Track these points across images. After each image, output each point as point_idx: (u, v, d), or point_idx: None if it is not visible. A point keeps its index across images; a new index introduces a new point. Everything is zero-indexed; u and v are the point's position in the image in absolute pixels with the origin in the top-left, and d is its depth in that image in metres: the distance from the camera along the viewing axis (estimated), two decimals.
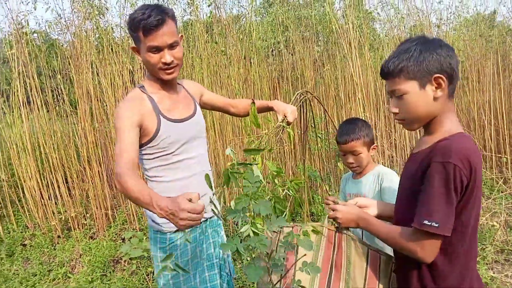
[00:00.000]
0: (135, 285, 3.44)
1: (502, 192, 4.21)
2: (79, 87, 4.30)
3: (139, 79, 4.52)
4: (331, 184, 4.07)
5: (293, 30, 4.91)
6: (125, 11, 4.60)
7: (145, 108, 1.67)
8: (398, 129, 4.41)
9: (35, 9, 4.31)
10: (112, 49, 4.41)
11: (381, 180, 1.90)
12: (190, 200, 1.26)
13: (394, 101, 1.28)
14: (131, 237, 3.89)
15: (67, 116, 4.65)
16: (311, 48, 4.83)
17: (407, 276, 1.30)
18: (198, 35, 4.33)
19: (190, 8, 4.71)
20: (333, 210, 1.44)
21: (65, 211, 4.43)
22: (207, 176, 1.33)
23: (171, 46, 1.65)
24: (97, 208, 4.39)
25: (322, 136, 4.21)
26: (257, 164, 1.29)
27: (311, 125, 3.34)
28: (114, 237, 4.22)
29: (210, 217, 1.93)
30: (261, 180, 1.27)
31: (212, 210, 1.28)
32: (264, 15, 5.12)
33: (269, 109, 2.05)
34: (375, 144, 2.01)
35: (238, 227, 3.82)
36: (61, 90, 4.49)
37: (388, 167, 3.96)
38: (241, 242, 1.21)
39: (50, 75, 4.52)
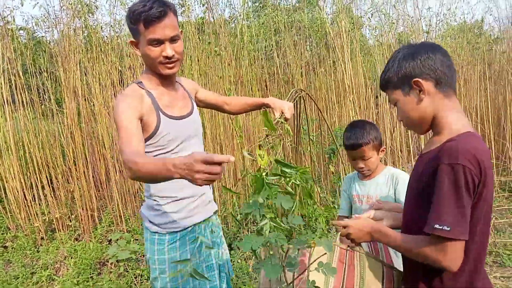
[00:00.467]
0: (123, 287, 3.35)
1: None
2: (66, 85, 4.21)
3: (128, 79, 4.45)
4: (323, 186, 4.07)
5: (285, 33, 4.93)
6: (115, 9, 4.55)
7: (145, 103, 1.61)
8: (387, 131, 4.45)
9: (22, 5, 4.21)
10: (101, 48, 4.34)
11: (396, 183, 1.86)
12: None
13: (397, 110, 1.35)
14: (118, 239, 3.81)
15: (52, 116, 4.54)
16: (302, 51, 4.84)
17: (416, 283, 1.27)
18: (189, 36, 4.30)
19: (181, 9, 4.68)
20: (344, 227, 1.40)
21: (49, 212, 4.31)
22: None
23: (173, 40, 1.59)
24: (82, 209, 4.28)
25: (314, 138, 4.22)
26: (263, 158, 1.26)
27: (303, 128, 3.34)
28: (100, 239, 4.12)
29: (209, 217, 1.88)
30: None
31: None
32: (256, 18, 5.11)
33: (265, 106, 2.03)
34: (383, 146, 1.96)
35: (239, 229, 3.77)
36: (47, 88, 4.38)
37: None
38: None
39: (36, 73, 4.41)
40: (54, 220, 4.22)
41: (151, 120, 1.62)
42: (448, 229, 1.08)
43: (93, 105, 4.39)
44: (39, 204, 4.34)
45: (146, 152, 1.63)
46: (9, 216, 4.35)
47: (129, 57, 4.43)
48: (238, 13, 4.89)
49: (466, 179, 1.08)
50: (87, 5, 4.40)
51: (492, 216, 3.75)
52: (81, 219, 4.27)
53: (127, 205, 4.34)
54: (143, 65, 4.55)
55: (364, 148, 1.87)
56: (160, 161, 1.22)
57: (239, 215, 3.62)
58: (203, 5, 4.15)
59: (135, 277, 3.47)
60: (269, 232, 1.21)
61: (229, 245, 3.59)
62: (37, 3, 4.16)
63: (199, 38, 4.35)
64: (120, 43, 4.57)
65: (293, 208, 1.35)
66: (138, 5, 1.55)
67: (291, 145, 2.63)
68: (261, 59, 5.01)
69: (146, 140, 1.63)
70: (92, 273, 3.62)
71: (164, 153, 1.68)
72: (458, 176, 1.08)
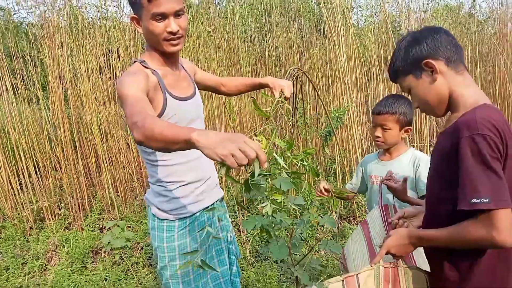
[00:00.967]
0: (119, 276, 3.29)
1: None
2: (51, 70, 4.03)
3: (115, 61, 4.30)
4: (320, 172, 4.05)
5: (275, 15, 4.83)
6: None
7: (151, 82, 1.52)
8: None
9: None
10: (87, 30, 4.16)
11: (417, 166, 1.81)
12: None
13: (411, 98, 1.35)
14: (111, 227, 3.73)
15: (37, 101, 4.37)
16: (295, 32, 4.77)
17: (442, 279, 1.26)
18: None
19: None
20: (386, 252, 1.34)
21: (37, 200, 4.18)
22: None
23: (177, 15, 1.50)
24: (72, 197, 4.17)
25: (309, 121, 4.18)
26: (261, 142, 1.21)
27: (298, 110, 3.29)
28: (92, 227, 4.02)
29: (216, 201, 1.83)
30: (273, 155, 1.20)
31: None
32: None
33: (263, 86, 1.96)
34: (409, 127, 1.88)
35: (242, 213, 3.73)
36: (31, 73, 4.20)
37: (366, 148, 3.95)
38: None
39: (18, 56, 4.22)
40: (44, 209, 4.09)
41: (157, 100, 1.54)
42: (487, 200, 1.03)
43: (80, 89, 4.23)
44: (26, 193, 4.20)
45: None
46: None
47: (116, 38, 4.28)
48: None
49: (490, 147, 1.05)
50: None
51: None
52: (71, 207, 4.17)
53: (119, 191, 4.24)
54: (130, 46, 4.42)
55: (387, 117, 1.82)
56: (185, 128, 1.05)
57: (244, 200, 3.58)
58: None
59: (131, 265, 3.40)
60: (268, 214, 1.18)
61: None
62: None
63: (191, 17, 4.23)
64: (107, 24, 4.40)
65: (302, 189, 1.32)
66: None
67: (292, 124, 2.59)
68: (251, 41, 4.92)
69: None
70: (86, 262, 3.55)
71: None
72: (481, 146, 1.05)
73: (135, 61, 1.61)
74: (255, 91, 2.84)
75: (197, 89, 1.81)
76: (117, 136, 4.22)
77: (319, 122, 3.79)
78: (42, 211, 4.15)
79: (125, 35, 4.28)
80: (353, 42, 4.03)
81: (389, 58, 1.38)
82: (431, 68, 1.22)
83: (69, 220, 4.17)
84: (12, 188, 4.14)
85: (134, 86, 1.41)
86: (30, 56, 4.21)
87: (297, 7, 4.97)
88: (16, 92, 4.20)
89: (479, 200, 1.04)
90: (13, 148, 4.09)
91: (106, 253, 3.64)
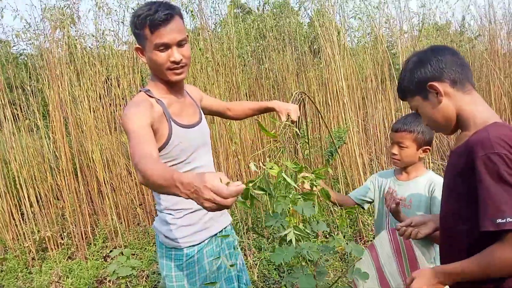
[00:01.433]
0: None
1: None
2: (51, 99, 4.06)
3: (115, 89, 4.34)
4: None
5: (269, 38, 4.92)
6: (97, 20, 4.42)
7: (156, 112, 1.54)
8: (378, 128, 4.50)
9: (1, 17, 4.04)
10: (85, 60, 4.21)
11: (433, 190, 1.78)
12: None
13: (421, 116, 1.38)
14: (117, 255, 3.68)
15: (38, 130, 4.37)
16: (290, 54, 4.85)
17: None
18: None
19: None
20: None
21: (39, 230, 4.14)
22: None
23: (180, 44, 1.53)
24: (75, 226, 4.14)
25: (309, 141, 4.21)
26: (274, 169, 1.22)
27: (301, 131, 3.33)
28: (96, 256, 3.98)
29: (225, 227, 1.83)
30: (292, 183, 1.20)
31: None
32: (241, 23, 5.09)
33: (269, 110, 1.99)
34: (428, 147, 1.84)
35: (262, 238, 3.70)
36: (30, 103, 4.22)
37: (367, 165, 3.96)
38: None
39: (18, 87, 4.25)
40: (46, 239, 4.05)
41: (162, 129, 1.56)
42: None
43: (80, 118, 4.25)
44: (28, 223, 4.16)
45: None
46: None
47: (115, 67, 4.33)
48: (223, 19, 4.86)
49: (507, 165, 1.05)
50: (69, 16, 4.26)
51: None
52: (74, 236, 4.13)
53: (122, 218, 4.22)
54: (128, 74, 4.47)
55: (404, 134, 1.79)
56: (169, 174, 1.09)
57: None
58: (191, 11, 4.09)
59: None
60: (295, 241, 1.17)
61: None
62: (18, 15, 3.99)
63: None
64: (105, 52, 4.46)
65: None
66: (143, 9, 1.49)
67: (301, 147, 2.62)
68: (246, 64, 4.99)
69: (158, 151, 1.57)
70: None
71: (177, 163, 1.62)
72: (499, 164, 1.05)
73: (140, 90, 1.63)
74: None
75: (203, 116, 1.82)
76: (119, 162, 4.23)
77: (321, 142, 3.83)
78: (44, 241, 4.11)
79: (124, 63, 4.33)
80: (349, 62, 4.11)
81: (385, 78, 1.43)
82: (435, 90, 1.24)
83: (72, 249, 4.13)
84: (14, 219, 4.11)
85: (137, 119, 1.43)
86: (30, 86, 4.24)
87: (292, 30, 5.06)
88: (16, 122, 4.21)
89: (504, 220, 1.02)
90: (14, 178, 4.07)
91: (111, 282, 3.59)
